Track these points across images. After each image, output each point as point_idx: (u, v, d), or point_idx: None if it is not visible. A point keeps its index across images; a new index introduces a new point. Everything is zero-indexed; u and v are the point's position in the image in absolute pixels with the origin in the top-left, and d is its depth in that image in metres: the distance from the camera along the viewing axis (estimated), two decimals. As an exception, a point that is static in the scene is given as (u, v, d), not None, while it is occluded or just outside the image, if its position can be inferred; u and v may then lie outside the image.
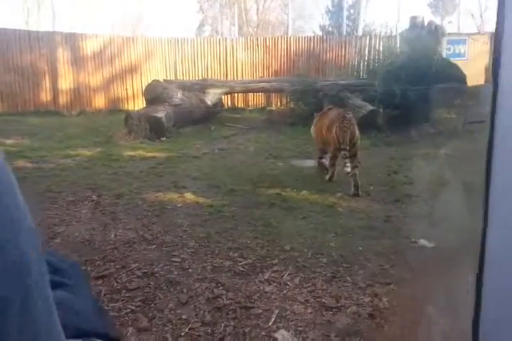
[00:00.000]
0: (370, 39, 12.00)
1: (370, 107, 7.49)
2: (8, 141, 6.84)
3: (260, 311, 2.20)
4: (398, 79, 7.46)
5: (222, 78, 11.78)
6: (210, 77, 11.49)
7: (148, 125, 7.22)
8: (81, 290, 0.53)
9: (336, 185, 4.52)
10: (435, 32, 10.53)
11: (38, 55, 10.70)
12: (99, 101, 11.52)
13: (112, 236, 3.14)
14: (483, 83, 8.14)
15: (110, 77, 11.61)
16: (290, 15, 16.52)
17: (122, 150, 6.30)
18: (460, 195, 4.04)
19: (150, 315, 2.16)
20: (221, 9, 19.07)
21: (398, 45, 10.39)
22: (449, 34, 11.84)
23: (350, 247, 2.96)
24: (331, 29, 16.78)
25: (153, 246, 2.95)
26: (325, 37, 13.45)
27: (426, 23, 10.78)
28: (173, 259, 2.75)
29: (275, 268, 2.65)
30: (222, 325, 2.08)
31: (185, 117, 8.11)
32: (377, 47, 11.43)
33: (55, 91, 10.96)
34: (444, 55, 11.26)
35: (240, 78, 11.91)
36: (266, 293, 2.37)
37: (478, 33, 13.92)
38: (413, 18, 10.83)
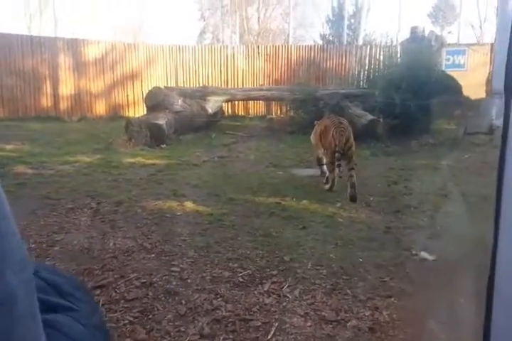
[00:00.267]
0: (371, 48, 12.09)
1: (369, 117, 7.51)
2: (8, 147, 6.84)
3: (259, 324, 2.18)
4: (398, 89, 7.50)
5: (222, 86, 11.84)
6: (210, 84, 11.53)
7: (148, 132, 7.23)
8: (90, 321, 0.52)
9: (336, 194, 4.51)
10: (435, 42, 10.62)
11: (40, 60, 10.75)
12: (100, 108, 11.54)
13: (111, 244, 3.12)
14: (484, 95, 8.17)
15: (111, 83, 11.65)
16: (291, 24, 16.63)
17: (122, 157, 6.29)
18: (460, 206, 4.04)
19: (148, 326, 2.14)
20: (222, 17, 19.20)
21: (398, 55, 10.45)
22: (449, 44, 11.93)
23: (350, 259, 2.94)
24: (331, 38, 16.90)
25: (152, 255, 2.94)
26: (325, 46, 13.54)
27: (426, 34, 10.87)
28: (172, 269, 2.73)
29: (275, 280, 2.63)
30: (221, 337, 2.06)
31: (185, 124, 8.13)
32: (377, 57, 11.50)
33: (56, 96, 10.98)
34: (444, 66, 11.35)
35: (240, 86, 11.97)
36: (265, 305, 2.35)
37: (478, 44, 14.02)
38: (413, 28, 10.92)
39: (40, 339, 0.35)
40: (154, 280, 2.59)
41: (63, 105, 11.09)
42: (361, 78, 10.78)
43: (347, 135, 4.52)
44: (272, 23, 23.47)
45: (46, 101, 10.91)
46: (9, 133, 7.99)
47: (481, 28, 22.54)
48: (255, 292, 2.49)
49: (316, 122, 5.30)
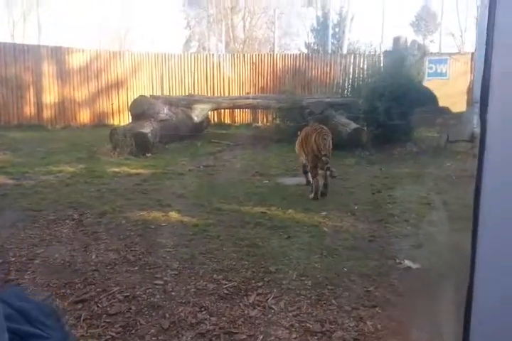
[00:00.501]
0: (355, 57, 12.26)
1: (354, 125, 7.60)
2: (-11, 156, 6.72)
3: (244, 337, 2.16)
4: (381, 98, 7.60)
5: (209, 94, 11.85)
6: (196, 92, 11.54)
7: (133, 141, 7.18)
8: None
9: (321, 203, 4.53)
10: (418, 51, 10.83)
11: (23, 68, 10.62)
12: (84, 116, 11.43)
13: (93, 257, 3.07)
14: (465, 102, 8.34)
15: (96, 91, 11.56)
16: (276, 32, 16.81)
17: (106, 167, 6.23)
18: (443, 214, 4.10)
19: (131, 342, 2.10)
20: (208, 26, 19.31)
21: (382, 64, 10.63)
22: (431, 53, 12.19)
23: (335, 268, 2.94)
24: (316, 47, 17.10)
25: (136, 268, 2.90)
26: (310, 55, 13.68)
27: (409, 43, 11.09)
28: (156, 282, 2.69)
29: (260, 291, 2.62)
30: (205, 352, 2.04)
31: (171, 133, 8.09)
32: (361, 66, 11.68)
33: (39, 104, 10.85)
34: (426, 74, 11.57)
35: (226, 94, 11.99)
36: (250, 317, 2.34)
37: (459, 53, 14.34)
38: (396, 38, 11.14)
39: None
40: (137, 293, 2.55)
41: (47, 113, 10.95)
42: (346, 87, 10.92)
43: (328, 140, 4.72)
44: (257, 31, 23.66)
45: (29, 110, 10.77)
46: (-10, 142, 7.85)
47: (461, 37, 23.07)
48: (240, 304, 2.47)
49: (299, 132, 5.41)
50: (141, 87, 11.89)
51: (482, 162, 0.64)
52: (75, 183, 5.25)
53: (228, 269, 2.90)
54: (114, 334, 2.17)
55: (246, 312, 2.39)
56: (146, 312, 2.36)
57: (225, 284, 2.69)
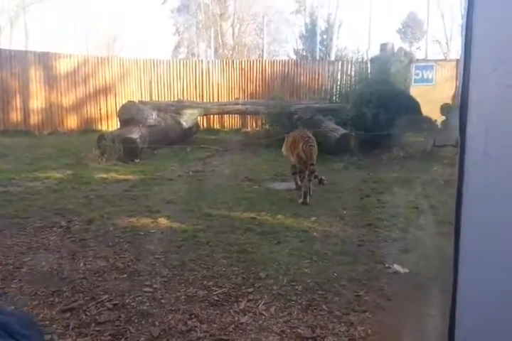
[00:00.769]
0: (343, 64, 12.40)
1: (342, 131, 7.66)
2: (-26, 163, 6.61)
3: (235, 344, 2.15)
4: (369, 103, 7.69)
5: (198, 100, 11.85)
6: (185, 98, 11.53)
7: (121, 146, 7.13)
8: None
9: (311, 208, 4.55)
10: (404, 58, 11.00)
11: (10, 73, 10.50)
12: (72, 122, 11.33)
13: (82, 264, 3.03)
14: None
15: (84, 97, 11.48)
16: (265, 39, 16.92)
17: (94, 173, 6.17)
18: (430, 218, 4.14)
19: (120, 350, 2.08)
20: (197, 32, 19.37)
21: (369, 71, 10.75)
22: (418, 60, 12.38)
23: (325, 273, 2.95)
24: (304, 53, 17.25)
25: (125, 276, 2.87)
26: (299, 61, 13.80)
27: (395, 49, 11.26)
28: (145, 289, 2.67)
29: (250, 297, 2.61)
30: (196, 359, 2.02)
31: (160, 138, 8.06)
32: (349, 72, 11.81)
33: (26, 110, 10.73)
34: (413, 80, 11.74)
35: (215, 100, 12.01)
36: (241, 324, 2.33)
37: (445, 60, 14.60)
38: (383, 45, 11.29)
39: None
40: (127, 301, 2.53)
41: (34, 119, 10.83)
42: (334, 93, 11.02)
43: (315, 148, 4.88)
44: (246, 38, 23.79)
45: (16, 115, 10.64)
46: (-24, 148, 7.73)
47: (447, 44, 23.50)
48: (231, 311, 2.46)
49: (285, 135, 5.57)
50: (130, 92, 11.84)
51: (463, 165, 0.66)
52: (63, 190, 5.19)
53: (218, 275, 2.89)
54: (103, 342, 2.14)
55: (237, 318, 2.38)
56: (136, 320, 2.34)
57: (216, 291, 2.68)
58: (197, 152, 8.27)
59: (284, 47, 24.99)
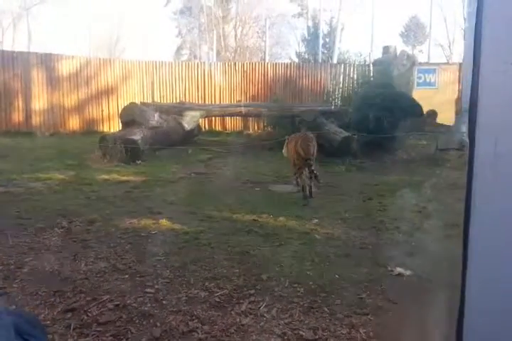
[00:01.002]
0: (345, 67, 12.41)
1: (345, 133, 7.66)
2: (-24, 163, 6.62)
3: (236, 345, 2.14)
4: (371, 106, 7.69)
5: (200, 102, 11.87)
6: (187, 100, 11.55)
7: (123, 148, 7.13)
8: None
9: (313, 211, 4.54)
10: (407, 61, 11.01)
11: (12, 75, 10.54)
12: (74, 123, 11.36)
13: (83, 265, 3.03)
14: (453, 110, 8.48)
15: (86, 98, 11.51)
16: (267, 41, 16.97)
17: (96, 174, 6.17)
18: (433, 221, 4.13)
19: (121, 351, 2.07)
20: (200, 34, 19.43)
21: (371, 74, 10.77)
22: (420, 63, 12.39)
23: (328, 276, 2.94)
24: (307, 56, 17.28)
25: (126, 276, 2.86)
26: (301, 64, 13.83)
27: (398, 53, 11.27)
28: (147, 290, 2.66)
29: (252, 299, 2.60)
30: (197, 361, 2.01)
31: (162, 140, 8.07)
32: (351, 75, 11.82)
33: (28, 111, 10.76)
34: (416, 83, 11.75)
35: (217, 102, 12.03)
36: (242, 325, 2.31)
37: (448, 63, 14.61)
38: (386, 48, 11.31)
39: None
40: (128, 302, 2.51)
41: (35, 120, 10.86)
42: (336, 95, 11.03)
43: (313, 144, 5.01)
44: (248, 40, 23.86)
45: (18, 116, 10.67)
46: (-22, 149, 7.75)
47: (450, 47, 23.52)
48: (232, 312, 2.44)
49: (286, 137, 5.66)
50: (132, 94, 11.87)
51: (472, 168, 0.65)
52: (64, 190, 5.19)
53: (220, 277, 2.88)
54: (104, 343, 2.13)
55: (238, 320, 2.36)
56: (137, 321, 2.33)
57: (217, 292, 2.67)
58: (199, 154, 8.28)
59: (287, 50, 25.05)
